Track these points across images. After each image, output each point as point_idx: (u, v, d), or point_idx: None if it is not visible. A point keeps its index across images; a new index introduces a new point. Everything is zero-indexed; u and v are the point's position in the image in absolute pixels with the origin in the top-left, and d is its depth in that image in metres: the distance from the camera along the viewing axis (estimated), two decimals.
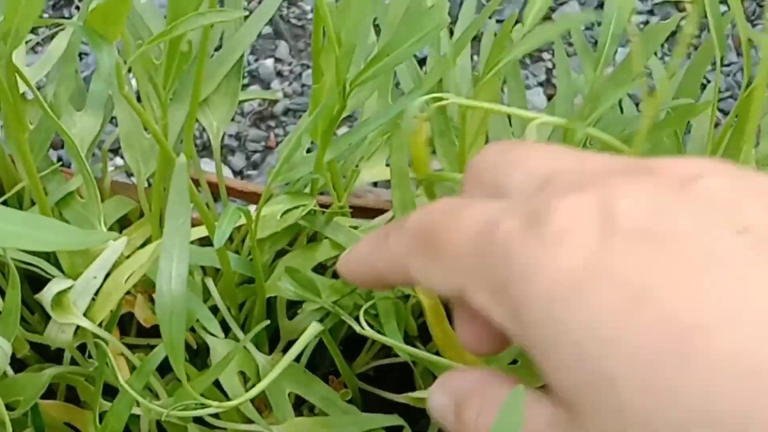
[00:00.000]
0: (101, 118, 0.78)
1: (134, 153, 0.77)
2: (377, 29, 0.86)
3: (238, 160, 1.19)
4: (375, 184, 1.00)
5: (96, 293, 0.73)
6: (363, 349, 0.88)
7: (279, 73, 1.25)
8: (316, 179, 0.76)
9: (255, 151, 1.20)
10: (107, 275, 0.73)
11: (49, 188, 0.77)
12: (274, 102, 1.23)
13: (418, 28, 0.62)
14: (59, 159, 1.13)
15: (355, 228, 0.79)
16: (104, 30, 0.50)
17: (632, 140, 0.77)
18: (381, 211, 0.83)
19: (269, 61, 1.25)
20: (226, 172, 1.19)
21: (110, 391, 0.75)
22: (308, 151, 0.78)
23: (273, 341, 0.84)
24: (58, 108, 0.75)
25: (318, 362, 0.91)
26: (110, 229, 0.80)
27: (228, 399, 0.73)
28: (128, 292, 0.80)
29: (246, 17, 0.80)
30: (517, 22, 0.82)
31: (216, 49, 0.81)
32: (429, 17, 0.61)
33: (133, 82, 0.89)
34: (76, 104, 0.79)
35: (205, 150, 1.20)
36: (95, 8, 0.49)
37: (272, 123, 1.22)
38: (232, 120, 1.23)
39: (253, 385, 0.75)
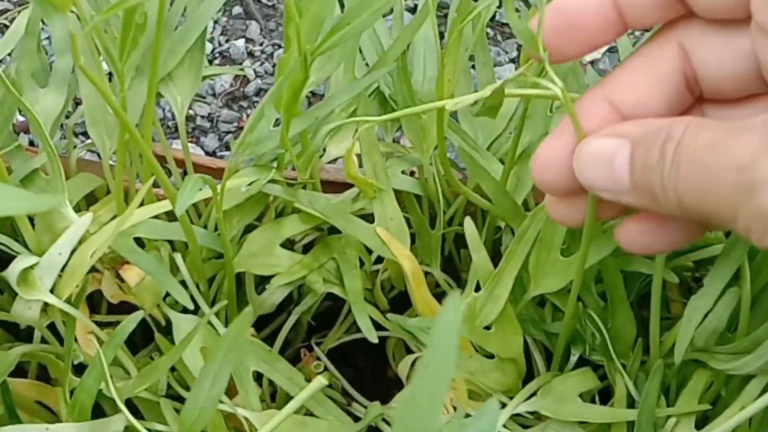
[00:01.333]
0: (65, 94, 0.78)
1: (99, 129, 0.77)
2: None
3: (211, 141, 1.19)
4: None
5: (62, 270, 0.73)
6: (335, 324, 0.88)
7: (251, 54, 1.24)
8: (282, 154, 0.76)
9: (227, 132, 1.20)
10: (73, 252, 0.73)
11: (13, 166, 0.76)
12: (246, 82, 1.23)
13: None
14: (31, 143, 1.12)
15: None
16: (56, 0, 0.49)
17: None
18: (349, 186, 0.83)
19: (240, 42, 1.25)
20: (199, 152, 1.18)
21: (82, 369, 0.75)
22: (278, 125, 0.78)
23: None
24: (20, 85, 0.74)
25: (292, 338, 0.91)
26: (77, 206, 0.80)
27: None
28: (96, 270, 0.80)
29: None
30: None
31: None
32: None
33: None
34: (40, 81, 0.79)
35: (176, 131, 1.20)
36: None
37: (244, 103, 1.22)
38: (204, 101, 1.23)
39: None
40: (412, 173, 0.83)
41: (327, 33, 0.64)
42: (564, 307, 0.72)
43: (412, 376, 0.33)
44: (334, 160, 1.00)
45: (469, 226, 0.72)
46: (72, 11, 0.57)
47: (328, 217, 0.75)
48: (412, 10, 1.25)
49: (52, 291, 0.72)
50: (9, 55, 0.79)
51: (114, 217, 0.78)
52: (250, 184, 0.74)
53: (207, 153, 1.18)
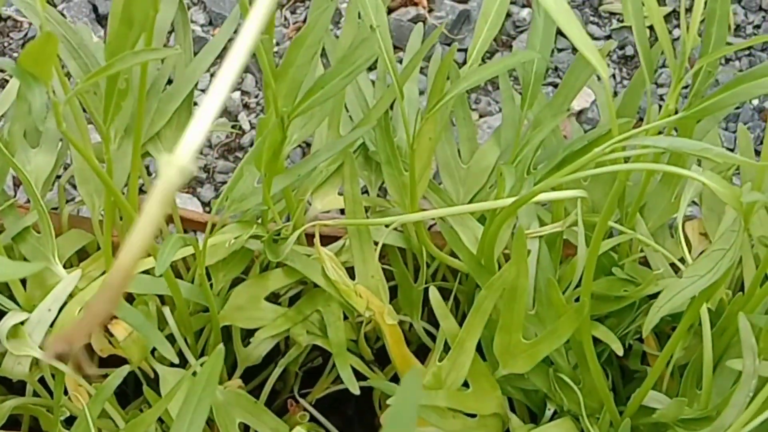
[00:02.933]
0: (56, 154, 0.80)
1: (88, 188, 0.79)
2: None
3: (207, 192, 1.21)
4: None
5: (52, 325, 0.75)
6: (322, 375, 0.90)
7: (246, 105, 1.27)
8: (266, 210, 0.78)
9: (223, 182, 1.22)
10: (62, 307, 0.75)
11: (5, 223, 0.78)
12: (242, 134, 1.25)
13: (349, 62, 0.64)
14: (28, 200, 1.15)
15: (309, 256, 0.81)
16: (37, 70, 0.52)
17: (574, 158, 0.80)
18: (335, 238, 0.85)
19: (236, 94, 1.27)
20: (195, 203, 1.21)
21: (73, 421, 0.77)
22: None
23: (235, 367, 0.86)
24: (12, 145, 0.77)
25: (281, 389, 0.92)
26: (67, 261, 0.82)
27: None
28: None
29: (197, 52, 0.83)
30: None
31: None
32: (358, 53, 0.63)
33: None
34: (32, 141, 0.81)
35: None
36: (26, 49, 0.51)
37: (240, 154, 1.24)
38: (200, 152, 1.25)
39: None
40: None
41: (303, 96, 0.67)
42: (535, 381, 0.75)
43: None
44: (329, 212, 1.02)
45: (435, 295, 0.74)
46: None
47: (308, 273, 0.77)
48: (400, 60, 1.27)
49: (41, 347, 0.75)
50: (2, 116, 0.82)
51: (104, 273, 0.80)
52: (234, 240, 0.76)
53: (203, 203, 1.20)
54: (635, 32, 0.69)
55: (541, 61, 0.75)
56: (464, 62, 0.81)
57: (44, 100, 0.52)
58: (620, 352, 0.75)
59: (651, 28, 1.11)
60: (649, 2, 0.60)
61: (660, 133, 0.67)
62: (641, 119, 1.22)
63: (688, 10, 0.66)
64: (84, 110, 0.77)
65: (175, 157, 0.29)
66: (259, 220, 0.81)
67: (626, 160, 0.70)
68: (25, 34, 1.35)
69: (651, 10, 0.64)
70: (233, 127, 1.26)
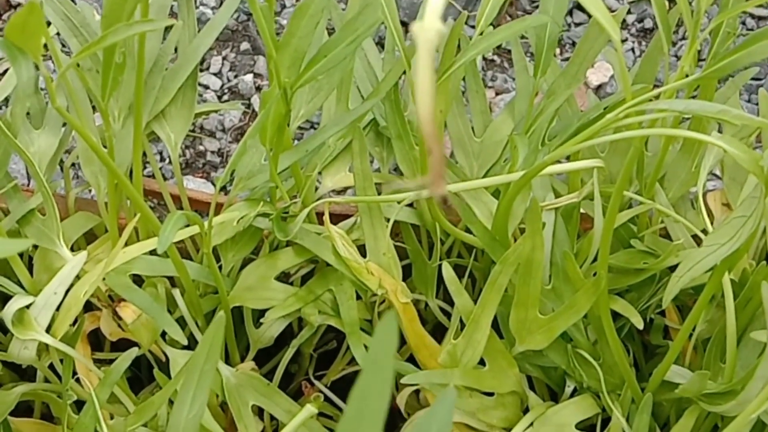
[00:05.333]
0: (59, 135, 0.79)
1: (93, 169, 0.78)
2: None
3: (221, 176, 1.20)
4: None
5: (58, 309, 0.74)
6: (337, 357, 0.88)
7: (258, 88, 1.25)
8: (273, 187, 0.77)
9: None
10: (68, 291, 0.74)
11: (10, 206, 0.77)
12: (255, 117, 1.23)
13: (352, 29, 0.62)
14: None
15: (319, 234, 0.79)
16: (23, 43, 0.50)
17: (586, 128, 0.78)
18: (345, 216, 0.83)
19: (248, 77, 1.26)
20: (209, 188, 1.19)
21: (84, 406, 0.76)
22: None
23: (248, 349, 0.84)
24: (15, 127, 0.75)
25: (295, 372, 0.91)
26: (75, 243, 0.81)
27: None
28: (96, 308, 0.81)
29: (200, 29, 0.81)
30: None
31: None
32: (361, 19, 0.61)
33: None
34: (36, 122, 0.80)
35: (187, 167, 1.21)
36: (11, 22, 0.49)
37: None
38: (214, 136, 1.24)
39: (218, 396, 0.75)
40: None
41: (305, 66, 0.65)
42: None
43: (347, 405, 0.32)
44: (345, 190, 1.00)
45: (448, 271, 0.72)
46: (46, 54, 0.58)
47: (318, 252, 0.75)
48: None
49: (48, 330, 0.73)
50: (7, 99, 0.81)
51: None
52: (241, 218, 0.74)
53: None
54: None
55: (554, 26, 0.73)
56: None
57: (32, 73, 0.50)
58: (640, 326, 0.72)
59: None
60: None
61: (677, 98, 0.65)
62: (656, 86, 1.19)
63: None
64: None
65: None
66: (268, 198, 0.79)
67: (642, 127, 0.67)
68: None
69: None
70: (245, 113, 1.24)
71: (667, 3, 1.22)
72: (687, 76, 0.57)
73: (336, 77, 0.76)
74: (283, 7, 1.31)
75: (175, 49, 0.81)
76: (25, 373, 0.85)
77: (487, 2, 0.69)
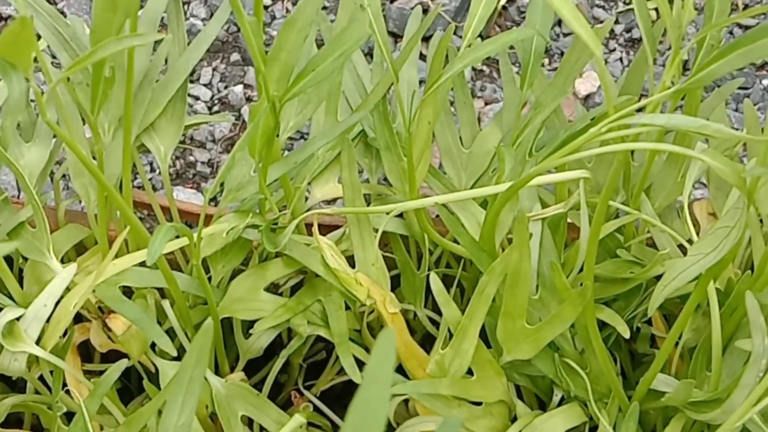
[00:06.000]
0: (50, 148, 0.79)
1: (83, 181, 0.78)
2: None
3: (211, 187, 1.20)
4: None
5: (47, 321, 0.74)
6: (326, 367, 0.89)
7: (249, 99, 1.26)
8: (263, 199, 0.77)
9: None
10: (58, 303, 0.74)
11: (0, 219, 0.77)
12: (245, 128, 1.24)
13: (340, 43, 0.63)
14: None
15: (308, 245, 0.80)
16: (14, 57, 0.51)
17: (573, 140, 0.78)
18: (334, 227, 0.84)
19: (239, 88, 1.26)
20: (200, 198, 1.19)
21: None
22: None
23: (237, 360, 0.84)
24: (5, 139, 0.76)
25: (285, 382, 0.91)
26: (66, 256, 0.81)
27: None
28: (86, 319, 0.81)
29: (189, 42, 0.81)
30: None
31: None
32: (349, 33, 0.62)
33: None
34: (26, 135, 0.80)
35: (177, 177, 1.21)
36: (3, 36, 0.49)
37: None
38: (204, 147, 1.24)
39: (207, 407, 0.76)
40: None
41: (294, 78, 0.65)
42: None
43: (345, 420, 0.32)
44: (334, 200, 1.00)
45: (436, 283, 0.73)
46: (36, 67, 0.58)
47: (307, 263, 0.76)
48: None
49: (38, 342, 0.74)
50: None
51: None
52: (231, 230, 0.75)
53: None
54: (636, 7, 0.67)
55: (539, 39, 0.74)
56: None
57: (23, 88, 0.51)
58: (626, 335, 0.73)
59: (657, 10, 1.09)
60: None
61: (662, 112, 0.65)
62: (643, 96, 1.20)
63: None
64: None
65: None
66: (257, 209, 0.79)
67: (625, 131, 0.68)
68: None
69: None
70: (234, 124, 1.25)
71: (654, 14, 1.24)
72: (670, 87, 0.58)
73: (325, 89, 0.77)
74: (273, 18, 1.32)
75: (165, 61, 0.81)
76: (15, 385, 0.86)
77: (474, 14, 0.70)
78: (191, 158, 1.23)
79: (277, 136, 0.73)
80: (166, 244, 0.62)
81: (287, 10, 1.34)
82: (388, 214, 0.79)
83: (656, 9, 1.27)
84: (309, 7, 0.66)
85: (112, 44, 0.56)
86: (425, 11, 1.31)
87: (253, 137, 0.68)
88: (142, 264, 0.77)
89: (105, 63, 0.60)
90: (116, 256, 0.73)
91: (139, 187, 1.00)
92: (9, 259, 0.80)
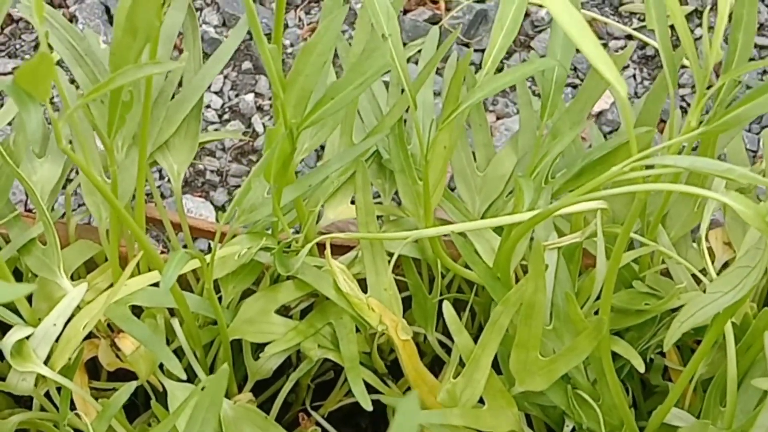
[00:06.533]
0: (62, 164, 0.78)
1: (95, 198, 0.77)
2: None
3: (220, 195, 1.19)
4: None
5: (57, 340, 0.73)
6: (335, 388, 0.88)
7: (259, 108, 1.25)
8: (275, 221, 0.76)
9: (237, 186, 1.21)
10: (68, 321, 0.74)
11: (11, 235, 0.77)
12: (255, 136, 1.23)
13: (360, 72, 0.62)
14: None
15: (320, 267, 0.79)
16: (33, 89, 0.50)
17: (593, 168, 0.78)
18: (346, 248, 0.83)
19: (250, 96, 1.25)
20: (208, 207, 1.19)
21: None
22: None
23: (245, 380, 0.84)
24: (17, 155, 0.75)
25: (292, 401, 0.91)
26: (76, 272, 0.80)
27: None
28: (94, 336, 0.81)
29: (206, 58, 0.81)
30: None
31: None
32: (369, 62, 0.61)
33: None
34: (39, 151, 0.79)
35: (186, 185, 1.20)
36: (22, 68, 0.49)
37: (253, 157, 1.22)
38: (213, 155, 1.24)
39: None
40: None
41: (313, 106, 0.65)
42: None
43: None
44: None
45: (448, 310, 0.72)
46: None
47: (319, 287, 0.75)
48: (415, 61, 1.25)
49: (47, 361, 0.73)
50: (9, 124, 0.81)
51: (111, 285, 0.78)
52: (244, 252, 0.74)
53: (216, 207, 1.18)
54: (658, 37, 0.66)
55: (561, 69, 0.73)
56: (481, 64, 0.79)
57: (40, 119, 0.50)
58: (641, 369, 0.72)
59: (672, 27, 1.08)
60: (671, 4, 0.57)
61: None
62: (663, 121, 1.19)
63: (712, 8, 0.63)
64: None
65: None
66: (270, 231, 0.79)
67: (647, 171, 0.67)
68: (38, 36, 1.34)
69: (673, 12, 0.62)
70: (245, 132, 1.24)
71: (669, 31, 1.23)
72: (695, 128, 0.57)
73: (341, 113, 0.76)
74: (286, 26, 1.31)
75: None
76: (21, 399, 0.85)
77: (494, 44, 0.69)
78: (200, 166, 1.23)
79: None
80: (180, 270, 0.61)
81: (299, 19, 1.33)
82: (404, 239, 0.79)
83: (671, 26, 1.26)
84: (329, 33, 0.66)
85: (132, 72, 0.56)
86: (436, 22, 1.31)
87: (270, 162, 0.68)
88: (153, 284, 0.76)
89: (124, 88, 0.59)
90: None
91: (147, 194, 1.00)
92: (18, 275, 0.79)
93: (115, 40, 0.60)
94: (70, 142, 0.79)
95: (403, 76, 0.66)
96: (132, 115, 0.74)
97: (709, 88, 0.61)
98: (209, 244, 1.02)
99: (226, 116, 1.26)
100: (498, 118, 1.25)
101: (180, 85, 0.81)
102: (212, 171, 1.22)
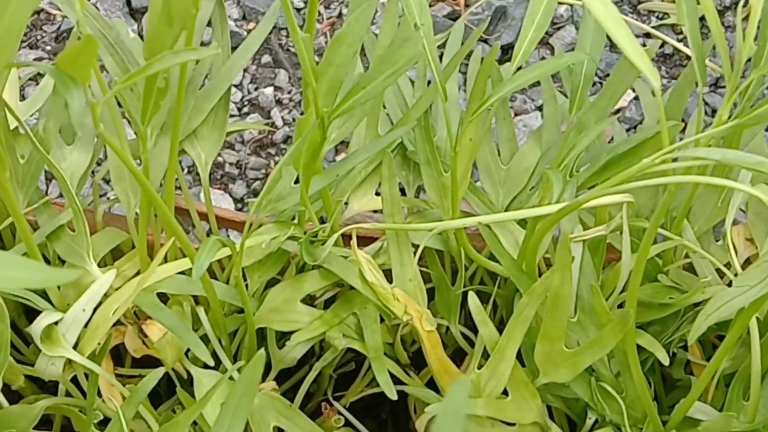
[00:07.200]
0: (91, 151, 0.79)
1: (124, 186, 0.78)
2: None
3: (239, 188, 1.20)
4: None
5: (86, 325, 0.74)
6: (356, 378, 0.89)
7: (279, 101, 1.26)
8: (302, 211, 0.77)
9: (255, 179, 1.21)
10: (97, 307, 0.74)
11: (40, 221, 0.78)
12: (275, 130, 1.24)
13: (391, 62, 0.63)
14: (60, 195, 1.14)
15: (346, 257, 0.80)
16: (75, 72, 0.50)
17: (618, 162, 0.78)
18: (371, 239, 0.84)
19: (269, 90, 1.26)
20: (227, 200, 1.19)
21: (106, 421, 0.76)
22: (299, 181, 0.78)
23: (269, 369, 0.84)
24: (47, 142, 0.76)
25: (314, 391, 0.91)
26: (102, 260, 0.81)
27: None
28: (120, 323, 0.81)
29: (234, 48, 0.81)
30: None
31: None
32: (402, 52, 0.62)
33: None
34: (67, 137, 0.80)
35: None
36: (65, 51, 0.49)
37: (272, 150, 1.23)
38: (233, 148, 1.24)
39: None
40: None
41: (344, 95, 0.65)
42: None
43: None
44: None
45: (474, 301, 0.73)
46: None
47: (345, 276, 0.76)
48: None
49: (75, 346, 0.74)
50: (38, 110, 0.81)
51: (138, 272, 0.79)
52: (270, 240, 0.75)
53: (235, 200, 1.19)
54: (689, 32, 0.67)
55: (590, 62, 0.73)
56: (500, 59, 0.80)
57: (83, 101, 0.51)
58: (666, 362, 0.73)
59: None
60: (705, 4, 0.58)
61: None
62: (682, 120, 1.20)
63: (736, 3, 0.64)
64: (119, 105, 0.76)
65: None
66: (296, 221, 0.79)
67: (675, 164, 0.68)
68: (58, 27, 1.34)
69: (705, 6, 0.62)
70: (266, 123, 1.24)
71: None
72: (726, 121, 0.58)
73: (369, 104, 0.77)
74: (303, 21, 1.32)
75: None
76: (45, 385, 0.86)
77: (525, 36, 0.70)
78: (219, 159, 1.23)
79: None
80: (212, 257, 0.62)
81: (319, 14, 1.34)
82: (429, 231, 0.79)
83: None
84: (359, 24, 0.66)
85: (169, 58, 0.56)
86: (455, 18, 1.31)
87: (300, 151, 0.68)
88: (180, 272, 0.77)
89: (159, 75, 0.60)
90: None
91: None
92: (45, 261, 0.80)
93: (150, 26, 0.60)
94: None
95: (434, 66, 0.67)
96: (161, 104, 0.75)
97: None
98: (228, 235, 1.03)
99: (245, 109, 1.26)
100: (516, 114, 1.25)
101: (207, 76, 0.82)
102: (231, 164, 1.23)
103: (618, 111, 1.25)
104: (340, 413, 0.86)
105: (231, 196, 1.20)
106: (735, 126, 0.57)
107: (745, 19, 0.64)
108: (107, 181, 1.15)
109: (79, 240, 0.76)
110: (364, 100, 0.64)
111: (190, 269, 0.77)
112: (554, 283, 0.70)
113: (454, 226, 0.74)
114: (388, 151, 0.80)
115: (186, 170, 1.20)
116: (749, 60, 0.63)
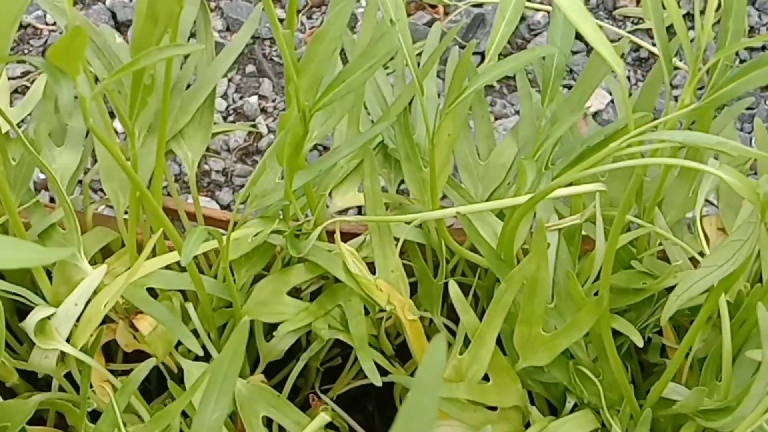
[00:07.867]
0: (81, 153, 0.81)
1: (113, 186, 0.80)
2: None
3: (226, 195, 1.22)
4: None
5: (78, 320, 0.76)
6: (343, 371, 0.91)
7: (263, 110, 1.28)
8: (287, 205, 0.79)
9: (241, 186, 1.23)
10: (88, 303, 0.77)
11: (32, 221, 0.80)
12: (259, 138, 1.26)
13: (370, 56, 0.65)
14: (51, 200, 1.16)
15: (330, 251, 0.82)
16: (65, 65, 0.53)
17: (592, 153, 0.80)
18: (354, 235, 0.86)
19: (254, 98, 1.29)
20: (214, 206, 1.22)
21: (98, 416, 0.78)
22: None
23: (257, 363, 0.87)
24: (38, 144, 0.78)
25: (302, 385, 0.93)
26: (92, 258, 0.83)
27: None
28: (112, 320, 0.83)
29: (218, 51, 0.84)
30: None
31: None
32: (378, 46, 0.64)
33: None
34: (57, 140, 0.82)
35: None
36: (55, 44, 0.52)
37: (258, 158, 1.25)
38: (219, 156, 1.26)
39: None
40: None
41: (324, 90, 0.68)
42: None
43: (395, 421, 0.34)
44: (347, 210, 1.03)
45: (454, 290, 0.75)
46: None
47: (330, 268, 0.78)
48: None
49: (68, 341, 0.76)
50: (29, 115, 0.84)
51: (128, 269, 0.81)
52: (256, 235, 0.77)
53: (222, 207, 1.21)
54: (654, 26, 0.69)
55: (560, 56, 0.76)
56: (479, 65, 0.82)
57: (72, 94, 0.53)
58: (640, 344, 0.75)
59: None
60: (668, 2, 0.61)
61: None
62: (656, 119, 1.23)
63: (702, 11, 0.67)
64: (109, 111, 0.79)
65: None
66: (281, 216, 0.82)
67: (643, 155, 0.70)
68: (45, 41, 1.37)
69: (671, 8, 0.65)
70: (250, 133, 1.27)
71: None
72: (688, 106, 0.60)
73: (349, 101, 0.79)
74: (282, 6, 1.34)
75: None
76: (38, 384, 0.87)
77: (497, 30, 0.73)
78: (206, 167, 1.25)
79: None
80: (199, 245, 0.64)
81: (301, 24, 1.37)
82: (409, 223, 0.82)
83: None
84: (338, 21, 0.69)
85: (155, 53, 0.59)
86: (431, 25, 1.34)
87: (283, 145, 0.71)
88: (168, 267, 0.79)
89: (145, 71, 0.62)
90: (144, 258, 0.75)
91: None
92: None
93: (136, 27, 0.63)
94: (87, 134, 0.82)
95: (410, 60, 0.69)
96: (148, 105, 0.77)
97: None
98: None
99: (230, 118, 1.28)
100: (496, 119, 1.28)
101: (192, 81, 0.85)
102: (217, 171, 1.25)
103: (596, 114, 1.28)
104: (327, 405, 0.88)
105: (218, 202, 1.22)
106: (697, 108, 0.59)
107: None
108: (95, 190, 1.17)
109: (70, 237, 0.78)
110: (344, 93, 0.67)
111: (178, 264, 0.80)
112: (531, 269, 0.72)
113: (433, 217, 0.76)
114: (370, 147, 0.82)
115: (174, 178, 1.23)
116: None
